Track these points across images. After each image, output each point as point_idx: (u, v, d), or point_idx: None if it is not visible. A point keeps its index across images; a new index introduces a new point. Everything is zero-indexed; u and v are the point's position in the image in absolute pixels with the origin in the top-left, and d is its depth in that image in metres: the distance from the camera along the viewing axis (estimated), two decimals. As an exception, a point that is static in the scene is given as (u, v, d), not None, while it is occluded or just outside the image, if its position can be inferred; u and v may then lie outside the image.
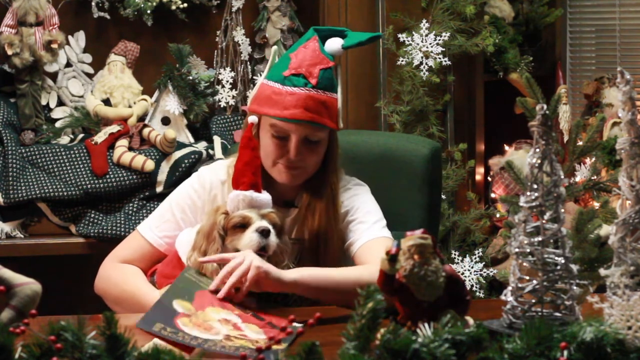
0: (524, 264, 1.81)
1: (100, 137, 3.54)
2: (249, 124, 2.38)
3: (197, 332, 1.95)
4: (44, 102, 3.66)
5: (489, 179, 4.14)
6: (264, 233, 2.28)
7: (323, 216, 2.47)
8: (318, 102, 2.42)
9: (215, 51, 3.86)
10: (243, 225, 2.30)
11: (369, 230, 2.48)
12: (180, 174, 3.51)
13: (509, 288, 1.83)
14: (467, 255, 3.79)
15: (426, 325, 1.58)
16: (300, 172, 2.47)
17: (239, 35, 3.84)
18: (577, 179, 3.81)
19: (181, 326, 1.96)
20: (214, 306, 2.11)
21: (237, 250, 2.30)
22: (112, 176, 3.49)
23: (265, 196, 2.35)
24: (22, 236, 3.49)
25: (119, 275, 2.51)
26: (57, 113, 3.70)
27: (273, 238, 2.29)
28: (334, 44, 2.47)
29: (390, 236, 2.49)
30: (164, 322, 1.95)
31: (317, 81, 2.42)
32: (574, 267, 1.80)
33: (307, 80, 2.42)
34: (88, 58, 3.80)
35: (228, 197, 2.38)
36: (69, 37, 3.76)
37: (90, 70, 3.79)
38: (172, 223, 2.54)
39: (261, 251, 2.29)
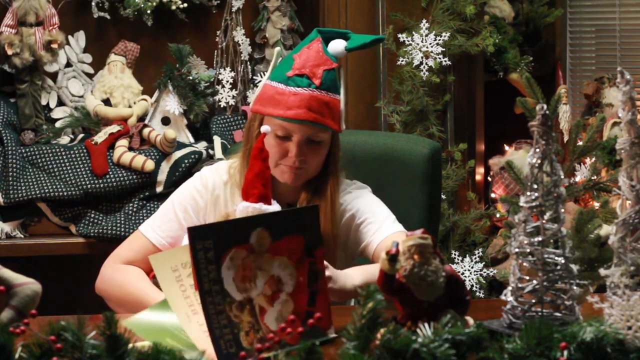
0: (524, 264, 1.81)
1: (100, 137, 3.54)
2: (261, 134, 2.37)
3: (230, 285, 1.86)
4: (44, 102, 3.66)
5: (489, 179, 4.14)
6: None
7: (321, 217, 2.47)
8: (321, 102, 2.42)
9: (215, 51, 3.86)
10: None
11: (381, 229, 2.47)
12: (180, 174, 3.51)
13: (509, 288, 1.83)
14: (467, 255, 3.79)
15: (426, 325, 1.58)
16: (302, 172, 2.47)
17: (239, 35, 3.84)
18: (577, 179, 3.81)
19: (225, 269, 1.86)
20: (290, 258, 1.98)
21: None
22: (112, 176, 3.49)
23: (274, 208, 2.34)
24: (22, 236, 3.49)
25: (122, 276, 2.51)
26: (57, 113, 3.70)
27: None
28: (338, 46, 2.47)
29: (403, 229, 2.49)
30: (216, 245, 1.84)
31: (321, 82, 2.42)
32: (574, 267, 1.80)
33: (311, 80, 2.42)
34: (88, 58, 3.80)
35: (236, 205, 2.37)
36: (69, 37, 3.76)
37: (90, 70, 3.79)
38: (175, 223, 2.54)
39: None
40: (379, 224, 2.49)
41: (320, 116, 2.42)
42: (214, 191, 2.54)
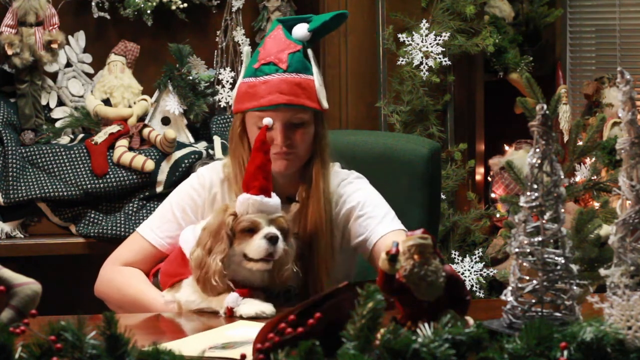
0: (524, 264, 1.80)
1: (100, 137, 3.54)
2: (262, 126, 2.38)
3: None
4: (44, 102, 3.66)
5: (489, 179, 4.14)
6: (272, 240, 2.29)
7: (318, 204, 2.48)
8: (292, 84, 2.45)
9: (215, 51, 3.86)
10: (251, 229, 2.31)
11: (381, 225, 2.48)
12: (180, 174, 3.51)
13: (509, 288, 1.83)
14: (467, 255, 3.79)
15: (426, 325, 1.58)
16: (292, 157, 2.48)
17: (239, 35, 3.84)
18: (577, 179, 3.81)
19: None
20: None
21: (244, 255, 2.31)
22: (112, 176, 3.49)
23: (274, 201, 2.34)
24: (22, 236, 3.49)
25: (122, 278, 2.51)
26: (57, 113, 3.70)
27: (281, 244, 2.30)
28: (301, 29, 2.51)
29: (403, 227, 2.49)
30: None
31: (287, 65, 2.45)
32: (574, 267, 1.80)
33: (277, 66, 2.46)
34: (88, 58, 3.80)
35: (235, 198, 2.38)
36: (69, 37, 3.76)
37: (90, 70, 3.79)
38: (173, 223, 2.54)
39: (268, 257, 2.30)
40: (378, 220, 2.49)
41: (294, 97, 2.44)
42: (211, 189, 2.55)
